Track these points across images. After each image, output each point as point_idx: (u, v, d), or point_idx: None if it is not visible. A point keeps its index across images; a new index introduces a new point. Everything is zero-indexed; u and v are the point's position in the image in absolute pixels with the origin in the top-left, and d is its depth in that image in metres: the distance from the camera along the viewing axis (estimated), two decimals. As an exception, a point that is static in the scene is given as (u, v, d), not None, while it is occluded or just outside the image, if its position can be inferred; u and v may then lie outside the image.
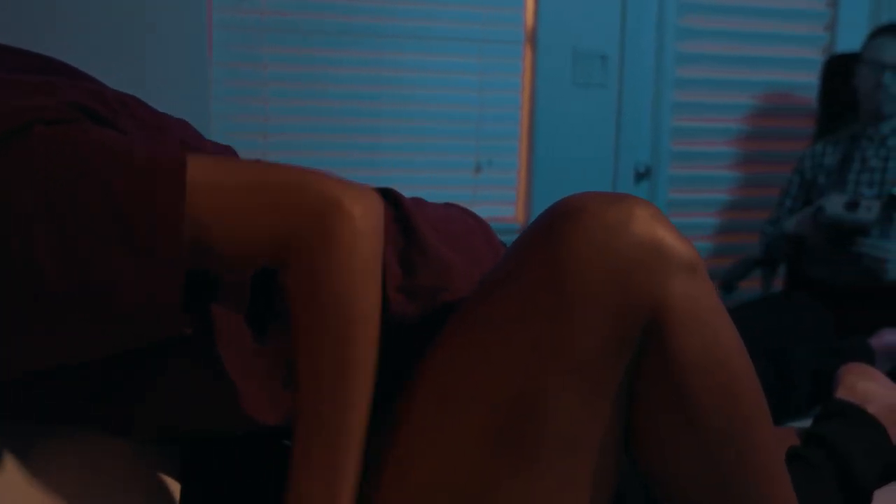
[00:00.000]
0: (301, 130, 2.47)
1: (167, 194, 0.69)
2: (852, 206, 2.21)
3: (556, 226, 0.76)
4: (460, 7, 2.55)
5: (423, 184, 2.57)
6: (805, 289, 2.46)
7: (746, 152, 2.88)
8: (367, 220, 0.73)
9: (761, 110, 2.87)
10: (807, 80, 2.82)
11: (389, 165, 2.55)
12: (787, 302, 2.46)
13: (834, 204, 2.23)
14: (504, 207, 2.69)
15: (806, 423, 1.26)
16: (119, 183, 0.68)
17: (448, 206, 1.05)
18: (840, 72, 2.57)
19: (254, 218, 0.72)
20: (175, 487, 0.84)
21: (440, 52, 2.55)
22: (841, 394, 1.19)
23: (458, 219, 0.98)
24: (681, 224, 2.82)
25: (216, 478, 0.86)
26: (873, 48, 2.37)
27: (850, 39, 2.81)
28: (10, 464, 0.75)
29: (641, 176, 2.77)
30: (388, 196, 0.96)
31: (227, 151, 0.90)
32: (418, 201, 0.99)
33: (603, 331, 0.74)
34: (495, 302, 0.77)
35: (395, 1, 2.50)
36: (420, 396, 0.79)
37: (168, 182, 0.69)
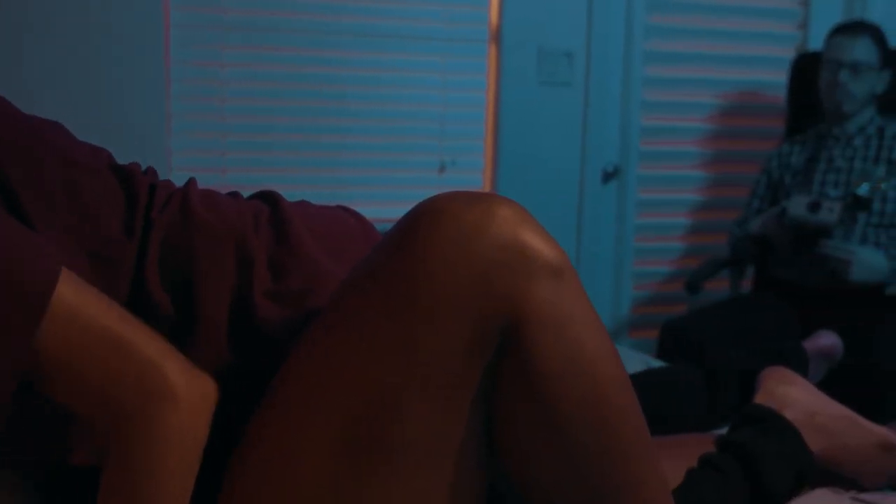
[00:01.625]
0: (261, 130, 2.45)
1: (23, 315, 0.68)
2: (814, 207, 2.18)
3: (413, 227, 0.74)
4: (424, 5, 2.53)
5: (387, 184, 2.55)
6: (772, 290, 2.44)
7: (717, 152, 2.85)
8: (197, 415, 0.74)
9: (733, 109, 2.84)
10: (779, 79, 2.79)
11: (352, 165, 2.53)
12: (753, 303, 2.43)
13: (797, 205, 2.20)
14: (470, 207, 2.66)
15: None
16: None
17: (336, 208, 1.03)
18: (809, 71, 2.54)
19: (91, 372, 0.71)
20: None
21: (403, 50, 2.53)
22: (759, 399, 1.17)
23: (339, 221, 0.96)
24: (651, 224, 2.80)
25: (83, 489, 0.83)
26: (831, 47, 2.34)
27: (823, 38, 2.77)
28: None
29: (610, 176, 2.74)
30: (268, 198, 0.95)
31: (100, 154, 0.87)
32: (301, 203, 0.98)
33: (459, 336, 0.71)
34: (352, 305, 0.75)
35: (358, -1, 2.48)
36: (278, 404, 0.77)
37: (30, 303, 0.68)
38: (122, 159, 0.91)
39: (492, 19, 2.59)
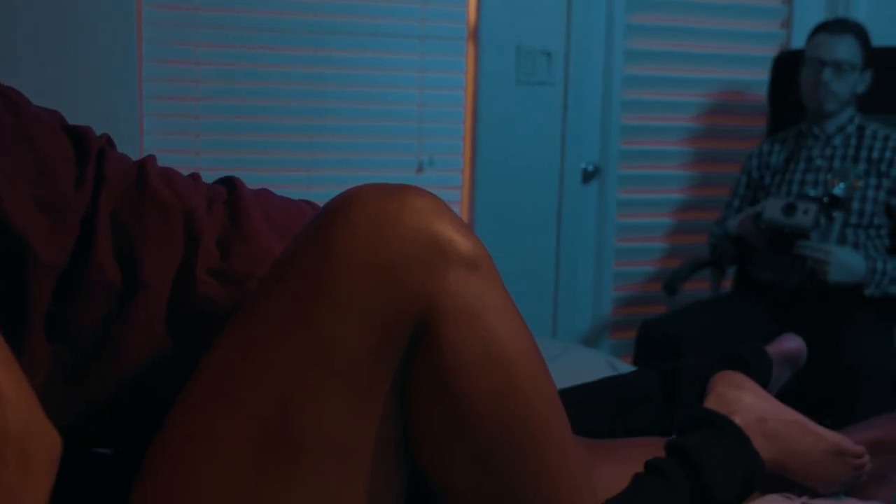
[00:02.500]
0: (235, 130, 2.43)
1: None
2: (790, 210, 2.16)
3: (327, 219, 0.73)
4: (401, 3, 2.50)
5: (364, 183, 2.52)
6: (752, 291, 2.42)
7: (699, 151, 2.83)
8: (31, 477, 0.65)
9: (715, 108, 2.82)
10: (763, 78, 2.76)
11: (328, 165, 2.51)
12: (731, 303, 2.41)
13: (772, 208, 2.18)
14: (449, 207, 2.64)
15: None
16: None
17: (299, 202, 1.02)
18: (790, 69, 2.52)
19: None
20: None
21: (380, 48, 2.51)
22: (710, 403, 1.15)
23: (299, 214, 0.96)
24: (632, 225, 2.77)
25: None
26: (813, 45, 2.32)
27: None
28: None
29: (590, 175, 2.72)
30: (228, 182, 0.95)
31: (53, 113, 0.87)
32: (263, 192, 0.97)
33: (370, 329, 0.70)
34: (267, 298, 0.74)
35: (334, -3, 2.46)
36: (195, 396, 0.75)
37: None
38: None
39: (470, 17, 2.57)
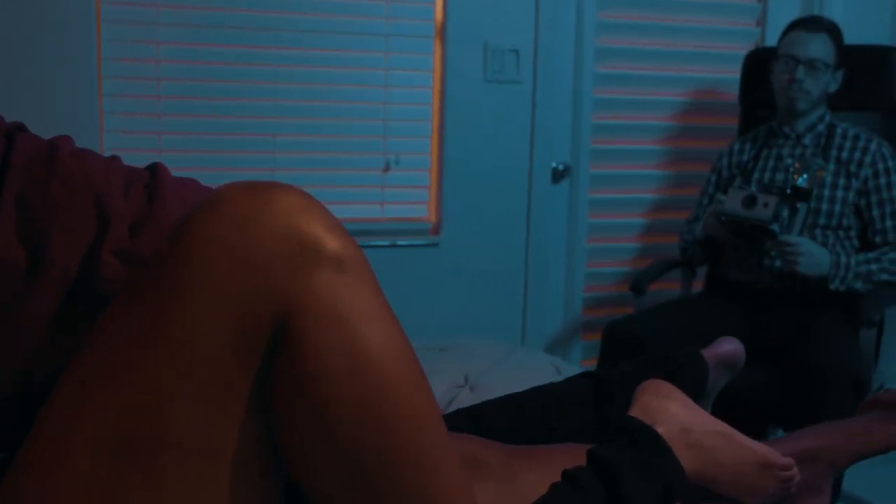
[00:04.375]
0: (197, 129, 2.40)
1: None
2: (749, 201, 2.13)
3: (192, 215, 0.71)
4: (366, 0, 2.47)
5: (330, 183, 2.50)
6: (724, 291, 2.38)
7: (672, 150, 2.79)
8: None
9: (688, 107, 2.79)
10: (737, 77, 2.72)
11: (293, 165, 2.48)
12: (700, 303, 2.38)
13: (732, 200, 2.15)
14: (417, 207, 2.62)
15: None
16: None
17: None
18: (762, 66, 2.48)
19: None
20: None
21: (345, 46, 2.48)
22: (634, 412, 1.12)
23: None
24: (603, 225, 2.74)
25: None
26: (787, 42, 2.29)
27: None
28: None
29: (560, 175, 2.68)
30: (153, 168, 0.93)
31: None
32: (188, 180, 0.95)
33: (226, 330, 0.68)
34: (132, 294, 0.72)
35: (298, -6, 2.43)
36: (60, 393, 0.73)
37: None
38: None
39: (436, 15, 2.54)
